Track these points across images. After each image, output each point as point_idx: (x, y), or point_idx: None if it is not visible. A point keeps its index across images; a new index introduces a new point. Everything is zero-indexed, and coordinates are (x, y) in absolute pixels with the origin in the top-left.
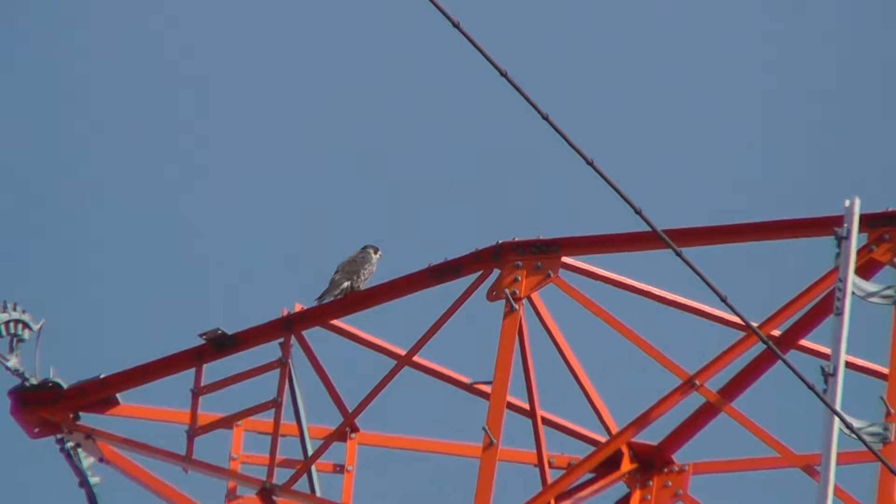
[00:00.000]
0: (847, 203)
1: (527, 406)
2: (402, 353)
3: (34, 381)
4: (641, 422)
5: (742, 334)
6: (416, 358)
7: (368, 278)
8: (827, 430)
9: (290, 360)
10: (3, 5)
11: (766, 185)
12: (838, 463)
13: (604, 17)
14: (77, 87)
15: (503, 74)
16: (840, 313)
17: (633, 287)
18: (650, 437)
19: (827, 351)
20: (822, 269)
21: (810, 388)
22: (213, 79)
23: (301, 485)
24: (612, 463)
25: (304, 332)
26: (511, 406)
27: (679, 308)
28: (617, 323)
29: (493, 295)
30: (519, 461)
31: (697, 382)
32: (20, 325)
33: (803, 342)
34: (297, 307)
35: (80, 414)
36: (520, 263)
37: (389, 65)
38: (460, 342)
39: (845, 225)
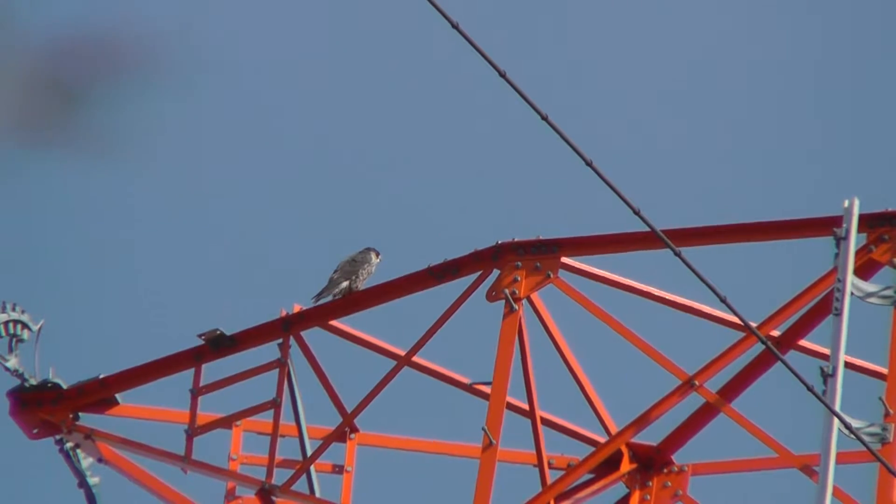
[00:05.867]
0: (846, 203)
1: (526, 406)
2: (402, 353)
3: (33, 382)
4: (641, 422)
5: (741, 335)
6: (415, 358)
7: (367, 279)
8: (826, 430)
9: (289, 361)
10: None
11: (766, 185)
12: (837, 463)
13: (604, 17)
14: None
15: (502, 75)
16: (839, 314)
17: (632, 287)
18: (650, 437)
19: (826, 351)
20: (822, 270)
21: (809, 388)
22: (209, 78)
23: (300, 485)
24: (611, 463)
25: (303, 333)
26: (511, 406)
27: (678, 308)
28: (616, 323)
29: (492, 295)
30: (519, 461)
31: (697, 383)
32: (19, 326)
33: (802, 343)
34: (296, 308)
35: (80, 414)
36: (519, 264)
37: (389, 64)
38: (460, 342)
39: (844, 225)
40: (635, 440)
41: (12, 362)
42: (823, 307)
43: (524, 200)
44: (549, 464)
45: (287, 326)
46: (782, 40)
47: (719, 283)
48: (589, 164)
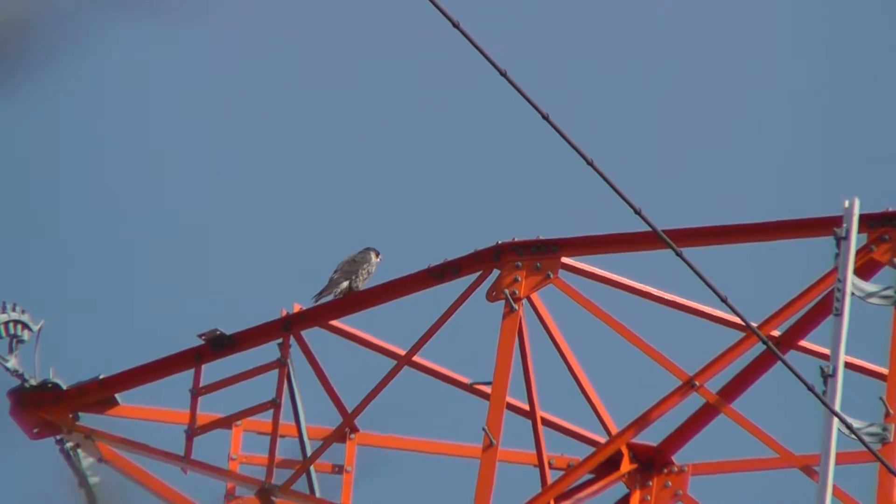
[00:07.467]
0: (846, 203)
1: (527, 406)
2: (402, 353)
3: (34, 382)
4: (641, 422)
5: (742, 334)
6: (415, 358)
7: (367, 279)
8: (826, 430)
9: (289, 361)
10: None
11: (767, 185)
12: (837, 463)
13: (604, 17)
14: (75, 88)
15: (503, 74)
16: (839, 314)
17: (633, 287)
18: (650, 437)
19: (826, 351)
20: (822, 270)
21: (809, 388)
22: (211, 77)
23: (300, 485)
24: (611, 463)
25: (303, 333)
26: (511, 406)
27: (679, 308)
28: (617, 323)
29: (492, 295)
30: (519, 462)
31: (697, 383)
32: (20, 326)
33: (803, 343)
34: (296, 307)
35: (80, 414)
36: (519, 264)
37: (389, 65)
38: (460, 342)
39: (844, 225)
40: (635, 440)
41: (12, 362)
42: (823, 307)
43: (524, 200)
44: (549, 464)
45: (287, 326)
46: (783, 40)
47: (720, 283)
48: (590, 163)
